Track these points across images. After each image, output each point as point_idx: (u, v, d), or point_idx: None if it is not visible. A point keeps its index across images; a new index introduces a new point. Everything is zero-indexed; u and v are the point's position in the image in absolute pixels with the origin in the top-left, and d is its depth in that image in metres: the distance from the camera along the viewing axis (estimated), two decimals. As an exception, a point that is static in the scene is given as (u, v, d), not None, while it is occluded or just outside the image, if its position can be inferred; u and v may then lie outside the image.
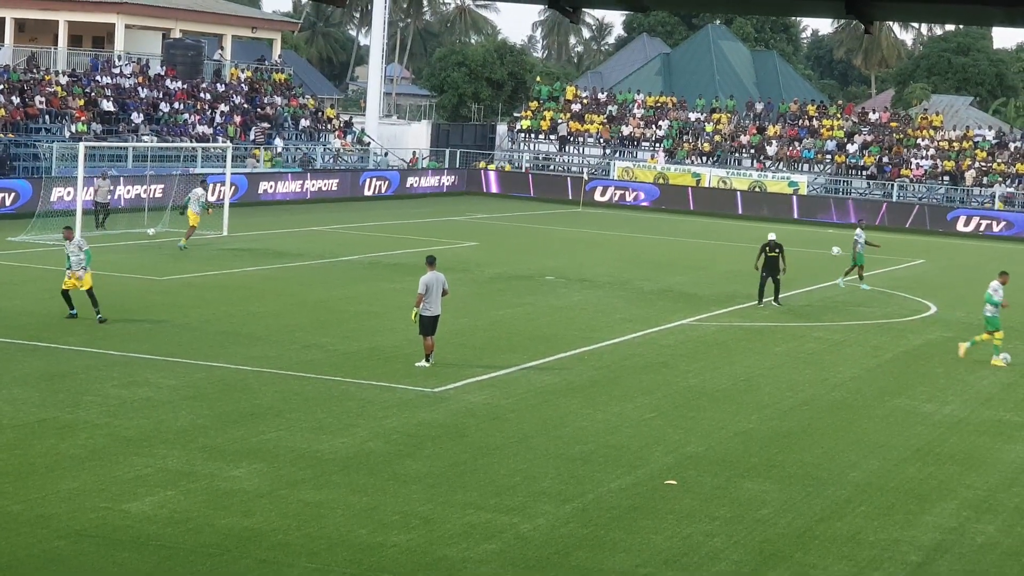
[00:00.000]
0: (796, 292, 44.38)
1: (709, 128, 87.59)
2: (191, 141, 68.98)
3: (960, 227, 75.37)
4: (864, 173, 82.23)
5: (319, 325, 33.78)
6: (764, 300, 40.95)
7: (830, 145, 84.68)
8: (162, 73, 75.31)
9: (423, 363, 29.09)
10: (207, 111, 73.85)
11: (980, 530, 20.18)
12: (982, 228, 75.19)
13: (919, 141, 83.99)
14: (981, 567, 18.71)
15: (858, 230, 47.32)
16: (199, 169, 65.59)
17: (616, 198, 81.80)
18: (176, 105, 72.28)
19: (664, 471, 22.21)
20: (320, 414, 24.62)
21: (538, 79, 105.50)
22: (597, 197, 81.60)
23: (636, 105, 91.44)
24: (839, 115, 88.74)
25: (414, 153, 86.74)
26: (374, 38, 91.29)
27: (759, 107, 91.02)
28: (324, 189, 73.25)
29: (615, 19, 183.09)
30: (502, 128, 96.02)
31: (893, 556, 18.70)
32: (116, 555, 17.03)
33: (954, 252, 63.57)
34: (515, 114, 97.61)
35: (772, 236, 41.79)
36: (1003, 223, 75.17)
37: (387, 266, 46.10)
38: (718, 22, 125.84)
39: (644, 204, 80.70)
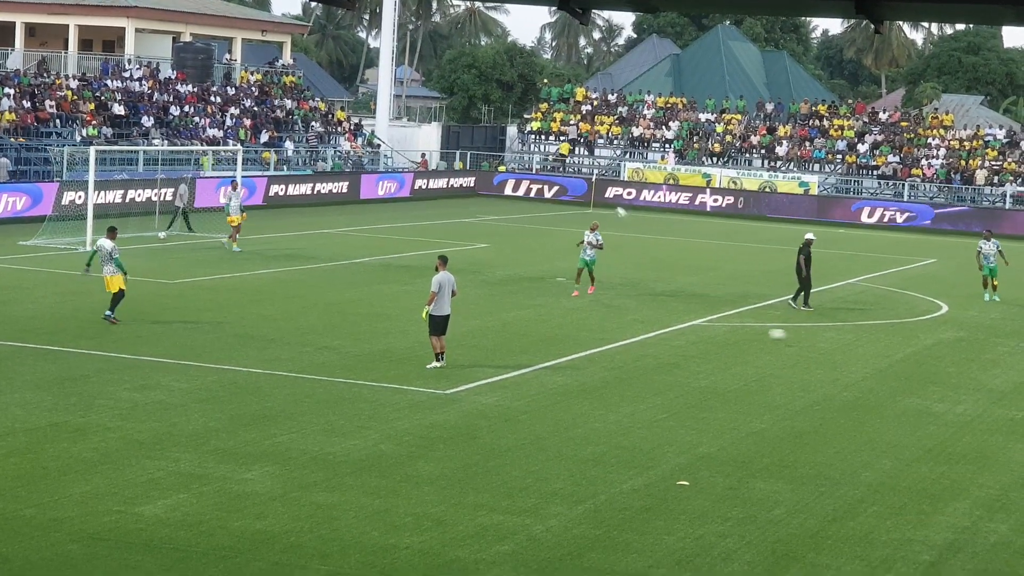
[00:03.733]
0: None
1: (720, 129, 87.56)
2: (202, 144, 69.09)
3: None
4: (875, 173, 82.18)
5: (331, 327, 33.81)
6: (796, 302, 40.71)
7: (841, 145, 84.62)
8: (172, 76, 75.43)
9: (435, 364, 29.11)
10: (217, 114, 73.97)
11: (993, 529, 20.16)
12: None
13: (930, 140, 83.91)
14: (994, 566, 18.69)
15: (981, 241, 45.31)
16: (209, 172, 65.71)
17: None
18: (186, 108, 72.39)
19: (676, 472, 22.21)
20: (332, 416, 24.64)
21: (544, 81, 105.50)
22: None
23: (646, 106, 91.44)
24: (850, 115, 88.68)
25: (423, 155, 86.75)
26: (384, 40, 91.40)
27: (769, 107, 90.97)
28: (334, 191, 73.30)
29: (625, 20, 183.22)
30: (512, 130, 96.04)
31: (906, 556, 18.68)
32: (129, 558, 17.05)
33: (966, 251, 63.41)
34: (525, 115, 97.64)
35: (810, 235, 41.67)
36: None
37: (398, 268, 46.12)
38: (728, 23, 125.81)
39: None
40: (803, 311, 40.20)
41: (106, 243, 33.27)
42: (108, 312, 32.49)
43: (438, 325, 29.10)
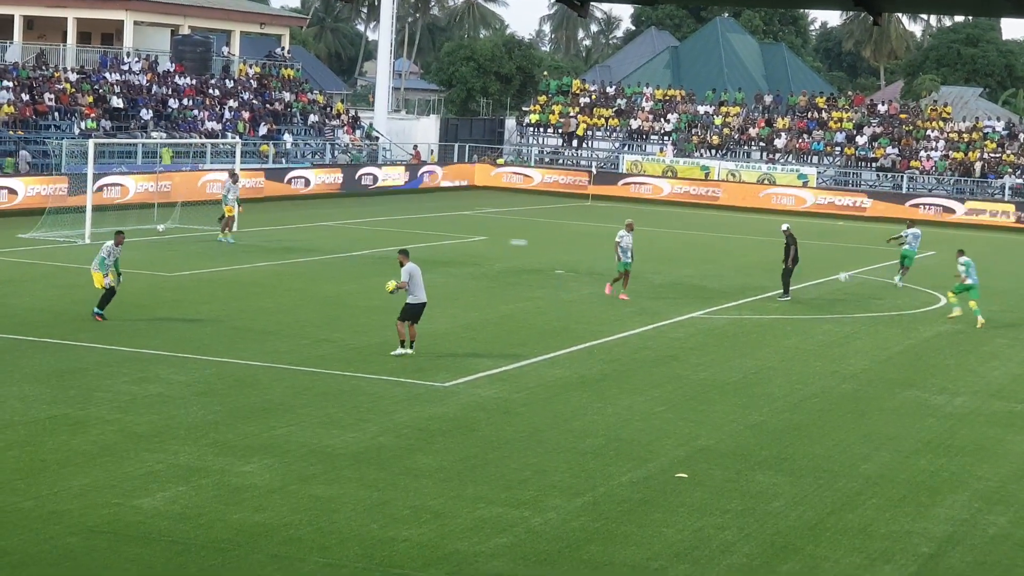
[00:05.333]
0: (805, 285, 44.27)
1: (718, 121, 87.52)
2: (200, 137, 69.04)
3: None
4: (874, 165, 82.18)
5: (329, 320, 33.81)
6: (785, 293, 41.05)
7: (839, 137, 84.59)
8: (171, 69, 75.38)
9: (400, 351, 29.25)
10: (216, 107, 73.92)
11: (991, 521, 20.17)
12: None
13: (929, 133, 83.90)
14: (993, 558, 18.70)
15: (915, 229, 46.37)
16: (208, 164, 65.67)
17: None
18: (185, 101, 72.36)
19: (675, 464, 22.22)
20: (331, 409, 24.65)
21: (545, 74, 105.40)
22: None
23: (644, 98, 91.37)
24: (848, 107, 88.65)
25: (415, 147, 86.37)
26: (382, 33, 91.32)
27: (768, 100, 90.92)
28: (333, 184, 73.25)
29: (623, 13, 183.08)
30: (511, 122, 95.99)
31: (905, 548, 18.69)
32: (127, 550, 17.06)
33: (963, 244, 63.37)
34: (524, 108, 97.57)
35: (786, 226, 41.91)
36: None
37: (397, 261, 46.01)
38: (726, 15, 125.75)
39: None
40: (783, 301, 40.49)
41: (107, 244, 32.90)
42: (97, 310, 32.24)
43: (415, 313, 29.31)
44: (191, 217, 53.15)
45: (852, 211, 76.33)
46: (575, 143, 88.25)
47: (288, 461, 21.15)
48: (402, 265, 29.99)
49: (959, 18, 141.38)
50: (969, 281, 38.41)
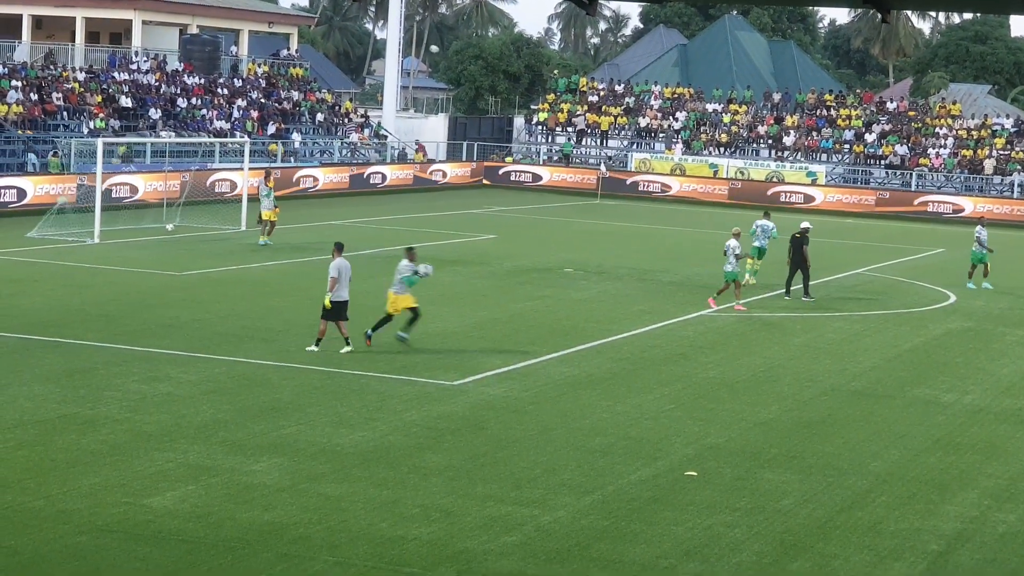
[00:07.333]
0: (815, 283, 44.21)
1: (727, 119, 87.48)
2: (209, 136, 69.11)
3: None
4: (883, 162, 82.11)
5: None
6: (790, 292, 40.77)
7: (848, 135, 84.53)
8: (179, 69, 75.46)
9: (314, 348, 29.26)
10: (224, 106, 73.98)
11: (1001, 519, 20.14)
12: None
13: (938, 130, 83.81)
14: (1002, 556, 18.68)
15: (979, 227, 46.36)
16: (216, 164, 65.75)
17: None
18: (194, 100, 72.43)
19: (684, 462, 22.20)
20: (340, 408, 24.66)
21: (554, 72, 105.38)
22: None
23: (653, 96, 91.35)
24: (857, 105, 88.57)
25: (417, 142, 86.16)
26: (391, 32, 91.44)
27: (776, 97, 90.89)
28: (341, 183, 73.30)
29: (632, 11, 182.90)
30: (519, 121, 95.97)
31: (914, 546, 18.67)
32: (137, 550, 17.07)
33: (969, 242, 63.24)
34: (532, 106, 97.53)
35: (805, 224, 41.73)
36: None
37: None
38: (735, 13, 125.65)
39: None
40: (805, 301, 40.22)
41: (403, 263, 30.98)
42: (369, 331, 30.18)
43: (338, 311, 29.27)
44: (198, 216, 53.22)
45: (861, 208, 76.29)
46: (584, 140, 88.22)
47: (298, 460, 21.16)
48: (333, 258, 29.62)
49: (968, 15, 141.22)
50: (756, 244, 42.95)
